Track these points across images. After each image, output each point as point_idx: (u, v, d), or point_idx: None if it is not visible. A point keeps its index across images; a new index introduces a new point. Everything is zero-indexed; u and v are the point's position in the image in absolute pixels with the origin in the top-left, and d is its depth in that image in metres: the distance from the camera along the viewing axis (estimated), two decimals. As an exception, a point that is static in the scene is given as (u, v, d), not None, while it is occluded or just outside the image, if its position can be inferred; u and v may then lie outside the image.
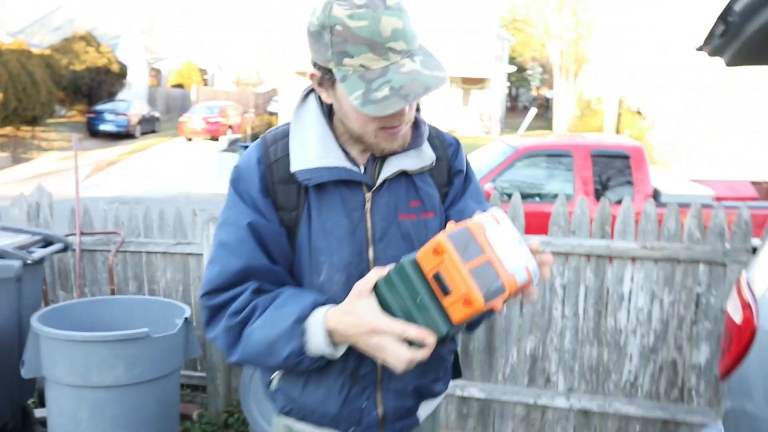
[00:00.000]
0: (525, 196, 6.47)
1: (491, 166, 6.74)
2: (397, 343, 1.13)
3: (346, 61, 1.17)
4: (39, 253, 3.01)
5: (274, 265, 1.31)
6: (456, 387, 3.39)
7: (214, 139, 22.70)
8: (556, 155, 6.77)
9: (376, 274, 1.17)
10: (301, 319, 1.22)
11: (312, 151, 1.32)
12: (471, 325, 1.41)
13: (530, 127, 25.32)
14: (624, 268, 3.18)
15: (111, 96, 26.24)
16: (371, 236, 1.33)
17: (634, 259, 3.17)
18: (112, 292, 3.63)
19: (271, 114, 28.87)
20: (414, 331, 1.11)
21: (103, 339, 2.62)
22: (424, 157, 1.39)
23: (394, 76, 1.15)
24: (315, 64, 1.26)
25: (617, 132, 20.98)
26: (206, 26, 54.64)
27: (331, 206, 1.32)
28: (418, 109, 1.39)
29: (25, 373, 2.73)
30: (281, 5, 28.49)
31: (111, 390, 2.67)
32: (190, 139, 23.60)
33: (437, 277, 1.08)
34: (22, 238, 3.09)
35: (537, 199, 6.65)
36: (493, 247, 1.07)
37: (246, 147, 16.20)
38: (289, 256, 1.34)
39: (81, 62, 25.34)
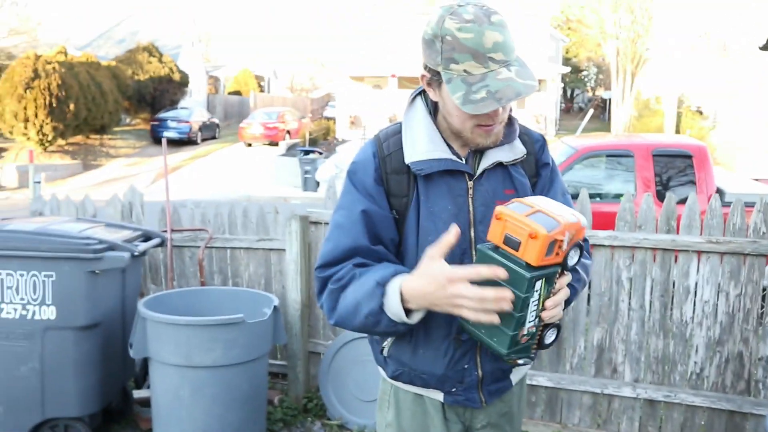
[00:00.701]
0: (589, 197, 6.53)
1: (551, 167, 6.82)
2: (472, 286, 1.29)
3: (453, 66, 1.39)
4: (142, 246, 3.32)
5: (378, 245, 1.52)
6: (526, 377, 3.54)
7: (273, 144, 23.26)
8: (616, 155, 6.81)
9: (447, 240, 1.36)
10: (381, 283, 1.41)
11: (422, 146, 1.54)
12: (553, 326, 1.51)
13: (587, 129, 25.04)
14: (690, 261, 3.28)
15: (173, 104, 27.20)
16: (473, 219, 1.55)
17: (699, 253, 3.26)
18: (202, 284, 3.92)
19: (328, 119, 29.35)
20: (485, 269, 1.28)
21: (205, 323, 2.90)
22: (516, 150, 1.60)
23: (492, 81, 1.37)
24: (426, 67, 1.48)
25: (677, 132, 20.59)
26: (261, 35, 55.86)
27: (438, 193, 1.54)
28: (510, 110, 1.59)
29: (134, 353, 3.03)
30: (334, 14, 28.97)
31: (210, 370, 2.95)
32: (249, 145, 24.24)
33: (506, 239, 1.30)
34: (126, 233, 3.40)
35: (597, 199, 6.71)
36: (540, 205, 1.32)
37: (305, 151, 16.57)
38: (395, 239, 1.56)
39: (144, 72, 26.39)
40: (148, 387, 3.78)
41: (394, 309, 1.40)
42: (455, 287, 1.30)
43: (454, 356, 1.55)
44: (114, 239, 3.16)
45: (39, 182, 5.49)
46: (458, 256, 1.50)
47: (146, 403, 3.63)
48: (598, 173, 7.00)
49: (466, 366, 1.57)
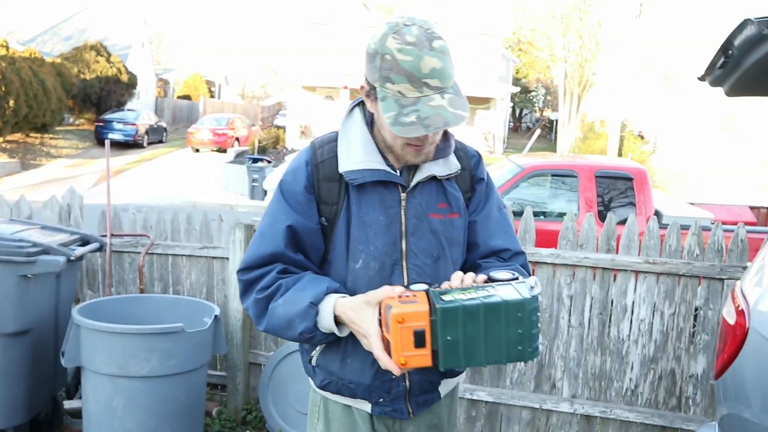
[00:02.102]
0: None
1: (498, 184, 6.94)
2: (378, 351, 1.37)
3: (388, 85, 1.42)
4: (79, 251, 3.20)
5: (297, 254, 1.56)
6: (466, 391, 3.56)
7: (222, 150, 22.94)
8: (561, 175, 6.98)
9: (384, 292, 1.39)
10: (315, 302, 1.47)
11: (357, 155, 1.56)
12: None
13: (533, 148, 25.59)
14: (628, 281, 3.38)
15: (119, 105, 26.54)
16: (405, 230, 1.57)
17: (637, 273, 3.36)
18: (141, 291, 3.81)
19: (278, 127, 29.14)
20: (380, 357, 1.36)
21: (141, 332, 2.81)
22: (450, 165, 1.63)
23: (423, 107, 1.39)
24: (366, 79, 1.50)
25: (620, 155, 21.26)
26: (214, 40, 55.22)
27: (370, 203, 1.56)
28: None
29: (66, 362, 2.91)
30: (287, 23, 28.90)
31: (145, 380, 2.86)
32: (197, 150, 23.85)
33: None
34: (63, 237, 3.28)
35: (542, 217, 6.84)
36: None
37: (253, 159, 16.38)
38: (320, 249, 1.59)
39: (91, 71, 25.68)
40: (80, 397, 3.64)
41: (326, 325, 1.46)
42: (367, 341, 1.41)
43: (381, 367, 1.56)
44: (49, 242, 3.04)
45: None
46: (389, 266, 1.55)
47: (77, 414, 3.49)
48: (543, 192, 7.15)
49: (393, 377, 1.57)
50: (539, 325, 1.34)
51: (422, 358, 1.32)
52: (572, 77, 25.47)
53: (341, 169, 1.55)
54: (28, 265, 2.87)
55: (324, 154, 1.60)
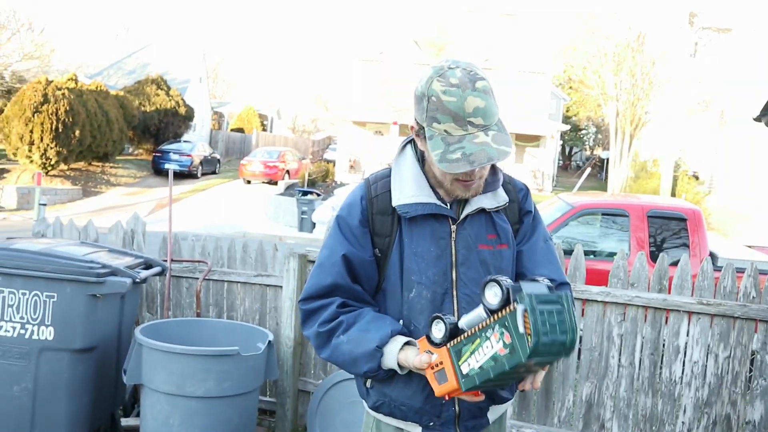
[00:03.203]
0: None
1: (547, 222, 6.92)
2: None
3: (435, 125, 1.53)
4: (143, 273, 3.36)
5: (356, 284, 1.67)
6: (512, 427, 3.55)
7: (272, 182, 23.42)
8: (612, 214, 6.92)
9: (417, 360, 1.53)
10: (381, 346, 1.58)
11: (409, 190, 1.66)
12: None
13: (583, 187, 25.30)
14: (680, 321, 3.34)
15: (176, 137, 27.47)
16: (455, 261, 1.66)
17: (690, 314, 3.32)
18: (198, 316, 3.95)
19: (328, 161, 29.63)
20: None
21: (200, 353, 2.93)
22: (499, 198, 1.72)
23: (468, 144, 1.50)
24: (415, 119, 1.61)
25: (673, 196, 20.85)
26: (267, 75, 56.83)
27: (422, 235, 1.65)
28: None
29: (128, 379, 3.05)
30: (338, 59, 29.57)
31: (202, 400, 2.96)
32: (248, 182, 24.40)
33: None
34: (128, 260, 3.45)
35: (591, 256, 6.78)
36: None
37: (303, 192, 16.67)
38: (374, 279, 1.69)
39: (151, 104, 26.74)
40: (137, 415, 3.77)
41: (390, 365, 1.58)
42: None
43: (432, 391, 1.61)
44: (116, 265, 3.21)
45: (44, 204, 5.55)
46: (440, 295, 1.63)
47: (134, 431, 3.62)
48: (593, 231, 7.10)
49: (443, 401, 1.63)
50: (558, 346, 1.38)
51: (449, 386, 1.50)
52: (624, 116, 25.23)
53: (395, 203, 1.65)
54: (97, 285, 3.04)
55: (378, 189, 1.70)
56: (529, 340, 1.33)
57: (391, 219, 1.66)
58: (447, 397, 1.53)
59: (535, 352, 1.34)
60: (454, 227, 1.66)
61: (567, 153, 42.46)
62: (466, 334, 1.46)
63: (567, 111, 36.56)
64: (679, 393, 3.36)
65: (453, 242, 1.65)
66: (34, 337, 3.04)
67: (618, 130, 25.61)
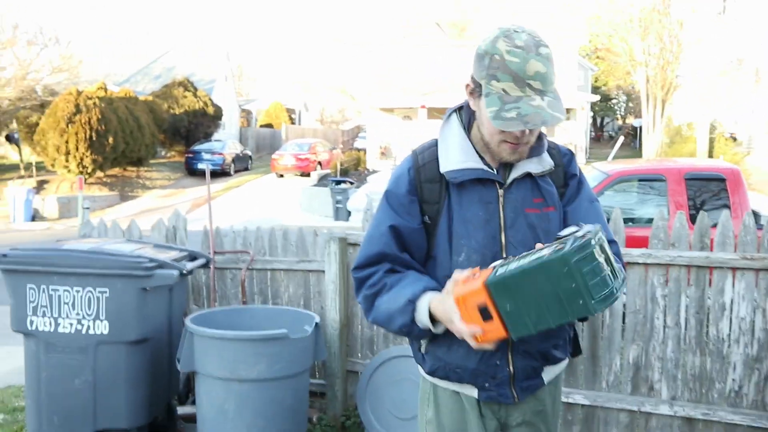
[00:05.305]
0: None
1: (583, 192, 6.85)
2: (461, 333, 1.51)
3: (494, 83, 1.55)
4: (189, 265, 3.47)
5: (403, 253, 1.72)
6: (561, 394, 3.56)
7: (305, 174, 23.61)
8: (648, 179, 6.83)
9: (454, 277, 1.54)
10: (412, 300, 1.62)
11: (456, 156, 1.69)
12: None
13: (618, 156, 24.90)
14: (725, 278, 3.30)
15: (207, 137, 27.86)
16: (503, 224, 1.69)
17: (734, 270, 3.28)
18: (244, 304, 4.05)
19: (358, 150, 29.71)
20: (462, 330, 1.50)
21: (250, 338, 3.02)
22: (544, 163, 1.74)
23: (524, 105, 1.52)
24: (472, 77, 1.63)
25: (710, 158, 20.42)
26: (291, 70, 57.07)
27: (470, 200, 1.69)
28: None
29: (182, 367, 3.15)
30: (362, 47, 29.51)
31: (255, 383, 3.05)
32: (281, 176, 24.64)
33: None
34: (173, 254, 3.56)
35: (630, 223, 6.71)
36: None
37: (336, 182, 16.76)
38: (423, 247, 1.74)
39: (180, 106, 27.15)
40: (192, 404, 3.90)
41: (423, 322, 1.61)
42: (452, 326, 1.54)
43: (487, 352, 1.66)
44: (163, 258, 3.31)
45: (88, 208, 5.75)
46: (490, 259, 1.64)
47: (190, 419, 3.74)
48: (630, 198, 7.01)
49: (497, 362, 1.68)
50: (603, 274, 1.37)
51: (495, 331, 1.45)
52: (654, 81, 24.70)
53: (442, 169, 1.69)
54: (146, 279, 3.15)
55: (425, 158, 1.74)
56: (581, 243, 1.36)
57: (440, 186, 1.70)
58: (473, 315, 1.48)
59: (582, 248, 1.35)
60: (501, 192, 1.69)
61: (599, 124, 41.78)
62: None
63: (596, 81, 35.95)
64: (727, 351, 3.33)
65: (501, 206, 1.68)
66: (91, 332, 3.17)
67: (649, 96, 25.10)
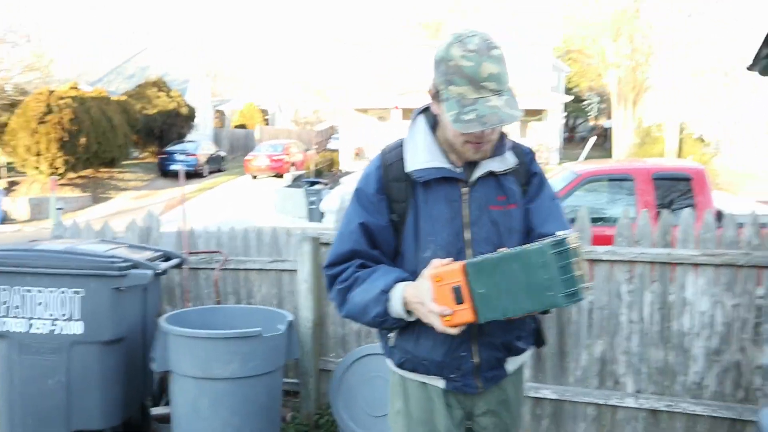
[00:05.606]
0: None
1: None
2: (430, 315, 1.61)
3: (451, 88, 1.63)
4: (163, 265, 3.48)
5: (374, 250, 1.79)
6: (529, 389, 3.66)
7: (278, 176, 23.55)
8: (617, 179, 6.97)
9: (433, 263, 1.63)
10: (386, 290, 1.69)
11: (422, 156, 1.77)
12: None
13: (589, 156, 25.22)
14: (686, 274, 3.42)
15: (180, 137, 27.60)
16: (467, 221, 1.76)
17: (696, 266, 3.40)
18: (218, 303, 4.07)
19: (332, 151, 29.69)
20: (435, 309, 1.59)
21: (224, 336, 3.05)
22: (506, 162, 1.83)
23: (481, 107, 1.60)
24: (433, 83, 1.71)
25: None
26: (265, 71, 56.79)
27: (436, 198, 1.77)
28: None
29: (156, 366, 3.17)
30: (335, 48, 29.52)
31: (228, 382, 3.09)
32: (255, 177, 24.53)
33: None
34: (148, 254, 3.58)
35: (600, 223, 6.84)
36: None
37: (310, 183, 16.70)
38: (391, 243, 1.81)
39: (153, 106, 26.85)
40: (166, 404, 3.91)
41: (396, 310, 1.67)
42: (422, 309, 1.62)
43: (452, 345, 1.74)
44: (137, 258, 3.33)
45: (61, 209, 5.67)
46: (455, 255, 1.72)
47: (164, 419, 3.75)
48: (600, 198, 7.14)
49: (462, 354, 1.76)
50: (574, 273, 1.49)
51: (464, 312, 1.54)
52: (625, 82, 25.09)
53: (408, 168, 1.77)
54: (120, 278, 3.16)
55: (391, 158, 1.82)
56: (559, 240, 1.47)
57: (405, 185, 1.77)
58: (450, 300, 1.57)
59: (559, 245, 1.46)
60: (465, 190, 1.76)
61: (571, 125, 42.27)
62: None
63: (569, 82, 36.37)
64: (689, 344, 3.45)
65: (465, 204, 1.76)
66: (64, 332, 3.17)
67: (620, 97, 25.49)
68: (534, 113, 26.66)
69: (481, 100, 1.59)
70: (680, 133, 23.29)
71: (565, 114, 36.72)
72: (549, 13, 27.14)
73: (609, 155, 27.39)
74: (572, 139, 40.12)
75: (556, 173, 7.79)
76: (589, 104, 37.68)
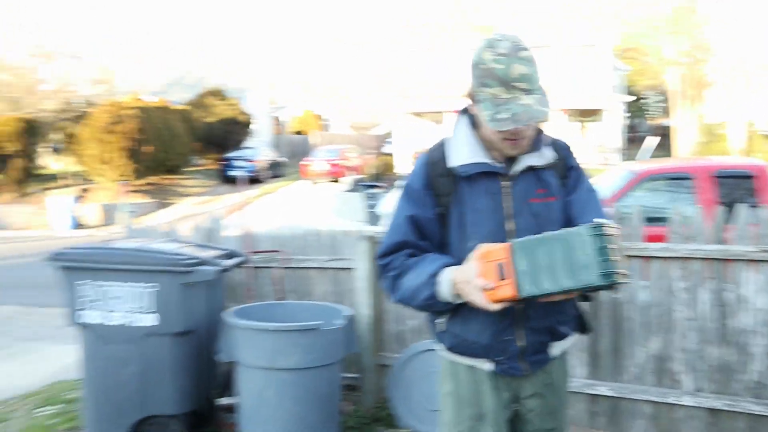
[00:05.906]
0: (648, 221, 6.60)
1: (611, 192, 6.90)
2: (474, 291, 1.71)
3: (485, 89, 1.76)
4: (228, 262, 3.68)
5: (422, 241, 1.91)
6: (585, 386, 3.68)
7: (335, 180, 23.89)
8: (677, 178, 6.85)
9: (480, 249, 1.74)
10: (434, 274, 1.81)
11: (464, 152, 1.90)
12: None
13: (652, 155, 24.62)
14: (743, 271, 3.38)
15: (239, 144, 28.33)
16: (510, 213, 1.88)
17: (752, 263, 3.36)
18: (279, 300, 4.25)
19: (386, 155, 29.90)
20: (479, 283, 1.70)
21: (287, 329, 3.22)
22: (545, 156, 1.94)
23: (513, 106, 1.72)
24: (470, 86, 1.83)
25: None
26: (321, 77, 57.61)
27: (479, 192, 1.89)
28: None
29: (223, 357, 3.36)
30: (391, 53, 29.73)
31: (291, 372, 3.25)
32: (313, 182, 24.94)
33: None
34: (213, 252, 3.78)
35: (658, 223, 6.72)
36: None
37: (367, 186, 16.86)
38: (438, 234, 1.93)
39: (213, 115, 27.67)
40: (230, 396, 4.09)
41: (444, 294, 1.79)
42: (468, 287, 1.73)
43: (498, 328, 1.85)
44: (204, 256, 3.53)
45: (133, 212, 5.99)
46: None
47: (229, 409, 3.93)
48: (659, 197, 7.03)
49: (508, 337, 1.86)
50: (610, 256, 1.59)
51: (506, 288, 1.67)
52: (686, 79, 24.38)
53: (451, 164, 1.89)
54: (189, 274, 3.37)
55: (436, 155, 1.95)
56: (597, 225, 1.60)
57: (450, 180, 1.90)
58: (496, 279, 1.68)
59: (597, 229, 1.58)
60: (506, 183, 1.88)
61: (633, 124, 41.30)
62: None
63: (629, 82, 35.59)
64: (748, 342, 3.41)
65: (507, 197, 1.87)
66: (139, 324, 3.40)
67: (682, 95, 24.79)
68: (592, 113, 26.22)
69: (513, 100, 1.71)
70: (747, 130, 22.49)
71: (630, 114, 35.90)
72: (606, 14, 26.63)
73: (668, 154, 26.68)
74: (635, 138, 39.20)
75: (615, 173, 7.70)
76: (652, 103, 36.74)
